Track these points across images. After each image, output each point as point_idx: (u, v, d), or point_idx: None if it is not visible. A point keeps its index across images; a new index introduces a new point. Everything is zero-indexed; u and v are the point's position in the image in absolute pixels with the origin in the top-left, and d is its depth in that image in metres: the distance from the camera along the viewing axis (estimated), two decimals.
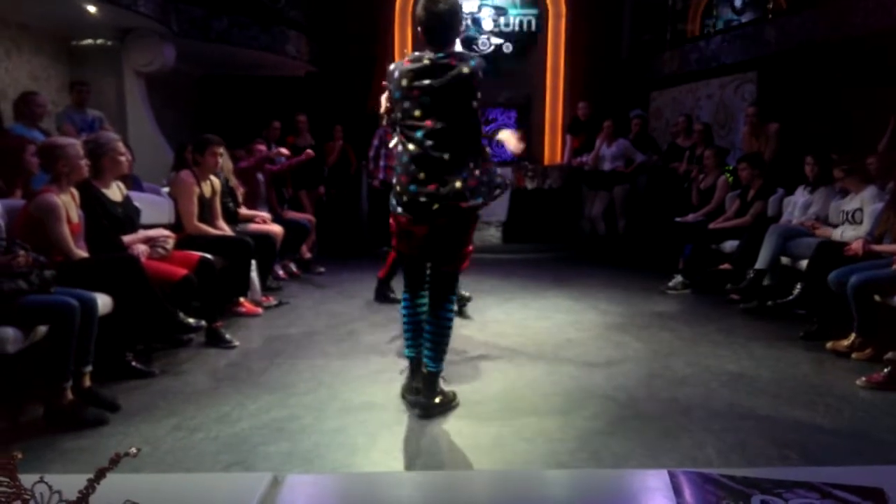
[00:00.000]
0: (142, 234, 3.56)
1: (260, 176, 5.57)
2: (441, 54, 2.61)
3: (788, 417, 2.78)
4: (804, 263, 4.23)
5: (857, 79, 5.82)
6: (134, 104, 6.85)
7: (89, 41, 6.74)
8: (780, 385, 3.20)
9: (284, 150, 5.93)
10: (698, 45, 8.01)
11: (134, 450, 0.71)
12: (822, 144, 5.24)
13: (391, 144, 2.99)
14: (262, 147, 5.76)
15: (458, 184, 2.58)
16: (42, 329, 2.62)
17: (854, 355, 3.56)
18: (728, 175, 6.02)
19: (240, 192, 5.11)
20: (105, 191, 3.44)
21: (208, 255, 3.77)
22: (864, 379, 3.15)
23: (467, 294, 4.58)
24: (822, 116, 6.18)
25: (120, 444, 2.46)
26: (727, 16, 8.05)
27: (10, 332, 2.48)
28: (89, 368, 2.77)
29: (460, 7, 2.73)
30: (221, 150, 4.53)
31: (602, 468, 2.29)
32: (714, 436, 2.56)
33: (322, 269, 6.16)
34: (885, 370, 3.14)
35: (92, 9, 5.74)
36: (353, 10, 9.08)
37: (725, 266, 5.09)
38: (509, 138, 3.03)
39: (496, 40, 9.45)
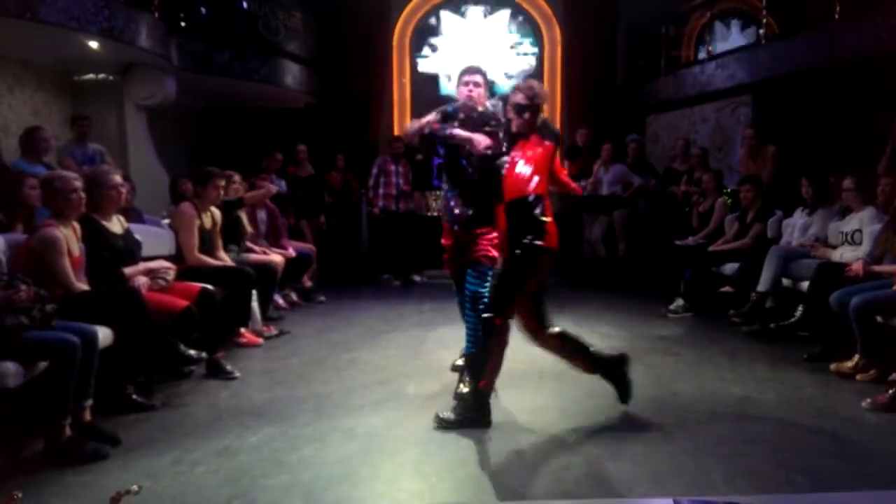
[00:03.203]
0: (142, 266, 3.56)
1: (262, 214, 5.60)
2: None
3: (795, 441, 2.75)
4: (805, 285, 4.23)
5: (850, 102, 5.89)
6: (135, 137, 6.92)
7: (91, 76, 6.84)
8: (786, 408, 3.18)
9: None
10: (693, 70, 8.11)
11: (135, 487, 0.71)
12: (818, 166, 5.29)
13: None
14: (268, 184, 5.78)
15: None
16: (43, 364, 2.61)
17: (858, 376, 3.54)
18: (727, 198, 6.06)
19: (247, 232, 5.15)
20: (105, 223, 3.45)
21: (209, 286, 3.77)
22: (869, 401, 3.13)
23: None
24: (818, 138, 6.24)
25: (120, 478, 2.42)
26: (721, 38, 8.17)
27: (11, 367, 2.47)
28: (90, 402, 2.76)
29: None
30: (223, 182, 4.56)
31: (607, 497, 2.27)
32: (721, 461, 2.54)
33: (323, 298, 6.16)
34: (890, 391, 3.12)
35: (94, 44, 5.84)
36: (352, 42, 9.23)
37: (727, 289, 5.09)
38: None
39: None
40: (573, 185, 3.74)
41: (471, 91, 3.48)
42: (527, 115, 3.01)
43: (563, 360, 3.13)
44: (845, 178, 4.32)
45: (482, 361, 2.97)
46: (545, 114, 3.31)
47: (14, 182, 3.77)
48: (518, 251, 2.90)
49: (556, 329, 3.09)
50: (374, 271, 7.64)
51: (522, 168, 2.94)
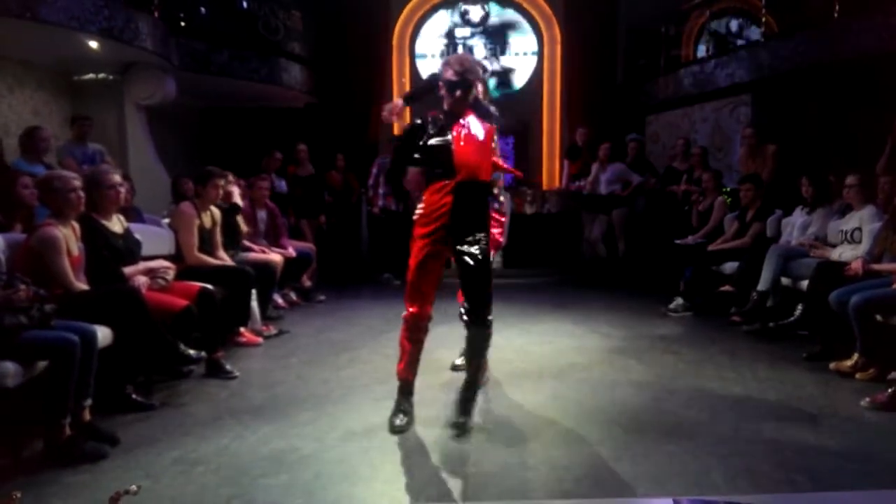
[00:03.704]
0: (142, 265, 3.56)
1: (261, 214, 5.60)
2: None
3: (795, 440, 2.75)
4: (805, 284, 4.23)
5: (850, 101, 5.89)
6: (135, 137, 6.93)
7: (91, 76, 6.84)
8: (786, 407, 3.18)
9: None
10: (692, 70, 8.11)
11: (134, 487, 0.71)
12: (818, 165, 5.29)
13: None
14: (266, 184, 5.78)
15: None
16: (42, 363, 2.61)
17: (858, 375, 3.54)
18: (726, 197, 6.06)
19: (244, 230, 5.15)
20: (105, 223, 3.45)
21: (208, 286, 3.77)
22: (868, 399, 3.13)
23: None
24: (817, 137, 6.24)
25: (120, 478, 2.42)
26: (721, 30, 8.17)
27: (10, 366, 2.47)
28: (89, 402, 2.75)
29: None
30: (223, 181, 4.56)
31: (608, 497, 2.27)
32: (721, 460, 2.53)
33: (323, 298, 6.16)
34: (890, 390, 3.12)
35: (93, 44, 5.84)
36: (352, 42, 9.23)
37: (727, 288, 5.09)
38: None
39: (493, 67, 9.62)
40: (510, 167, 3.55)
41: None
42: (458, 93, 2.77)
43: (402, 345, 2.98)
44: (848, 175, 4.32)
45: (482, 361, 2.94)
46: (480, 92, 3.14)
47: (7, 181, 3.76)
48: (484, 246, 2.79)
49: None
50: (374, 271, 7.65)
51: (471, 148, 2.79)
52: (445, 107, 2.84)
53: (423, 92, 3.26)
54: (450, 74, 2.77)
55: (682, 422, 2.98)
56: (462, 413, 2.85)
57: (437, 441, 2.76)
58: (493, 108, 3.37)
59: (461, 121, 2.84)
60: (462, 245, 2.79)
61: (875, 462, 2.54)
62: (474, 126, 2.85)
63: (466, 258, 2.78)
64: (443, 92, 2.83)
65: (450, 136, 2.80)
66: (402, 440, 2.78)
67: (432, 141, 2.80)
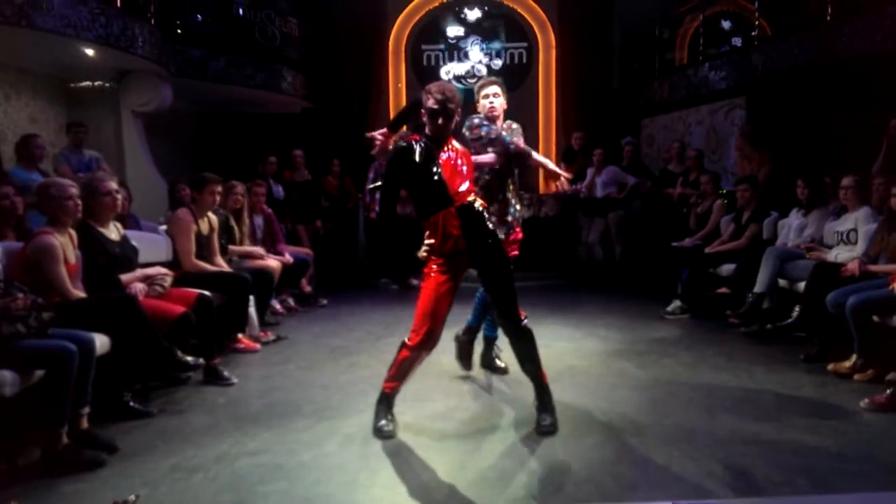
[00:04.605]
0: (139, 272, 3.55)
1: (258, 220, 5.60)
2: None
3: (794, 442, 2.75)
4: (802, 285, 4.24)
5: (844, 102, 5.91)
6: (131, 144, 6.93)
7: (87, 83, 6.84)
8: (784, 409, 3.18)
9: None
10: (686, 73, 8.15)
11: (132, 496, 0.71)
12: (813, 167, 5.31)
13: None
14: (262, 189, 5.77)
15: None
16: (39, 372, 2.60)
17: (856, 376, 3.55)
18: (724, 199, 6.08)
19: (241, 234, 5.14)
20: (102, 230, 3.44)
21: (206, 292, 3.76)
22: (867, 400, 3.14)
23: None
24: (812, 139, 6.26)
25: (118, 486, 2.41)
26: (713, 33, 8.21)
27: (7, 375, 2.46)
28: (87, 410, 2.75)
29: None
30: (220, 188, 4.56)
31: (607, 501, 2.27)
32: (720, 463, 2.54)
33: (325, 302, 6.17)
34: (888, 391, 3.12)
35: (89, 52, 5.84)
36: (348, 47, 9.24)
37: (724, 290, 5.10)
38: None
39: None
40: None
41: (492, 104, 3.48)
42: (440, 121, 2.81)
43: (402, 370, 2.97)
44: (844, 176, 4.34)
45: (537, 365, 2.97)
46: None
47: None
48: (503, 254, 2.94)
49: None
50: (371, 276, 7.64)
51: (459, 176, 2.85)
52: (428, 132, 2.88)
53: (405, 116, 3.25)
54: (431, 103, 2.79)
55: (681, 424, 2.98)
56: (545, 414, 2.91)
57: (436, 446, 2.76)
58: (516, 126, 3.54)
59: (445, 147, 2.88)
60: (484, 256, 2.85)
61: (874, 463, 2.55)
62: (457, 153, 2.90)
63: (492, 267, 2.86)
64: (425, 119, 2.85)
65: (439, 170, 2.82)
66: (401, 446, 2.78)
67: (422, 174, 2.81)
